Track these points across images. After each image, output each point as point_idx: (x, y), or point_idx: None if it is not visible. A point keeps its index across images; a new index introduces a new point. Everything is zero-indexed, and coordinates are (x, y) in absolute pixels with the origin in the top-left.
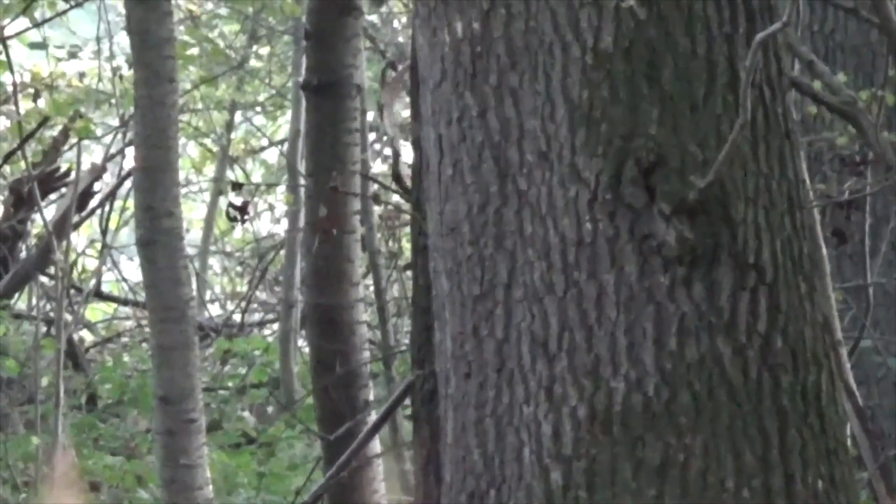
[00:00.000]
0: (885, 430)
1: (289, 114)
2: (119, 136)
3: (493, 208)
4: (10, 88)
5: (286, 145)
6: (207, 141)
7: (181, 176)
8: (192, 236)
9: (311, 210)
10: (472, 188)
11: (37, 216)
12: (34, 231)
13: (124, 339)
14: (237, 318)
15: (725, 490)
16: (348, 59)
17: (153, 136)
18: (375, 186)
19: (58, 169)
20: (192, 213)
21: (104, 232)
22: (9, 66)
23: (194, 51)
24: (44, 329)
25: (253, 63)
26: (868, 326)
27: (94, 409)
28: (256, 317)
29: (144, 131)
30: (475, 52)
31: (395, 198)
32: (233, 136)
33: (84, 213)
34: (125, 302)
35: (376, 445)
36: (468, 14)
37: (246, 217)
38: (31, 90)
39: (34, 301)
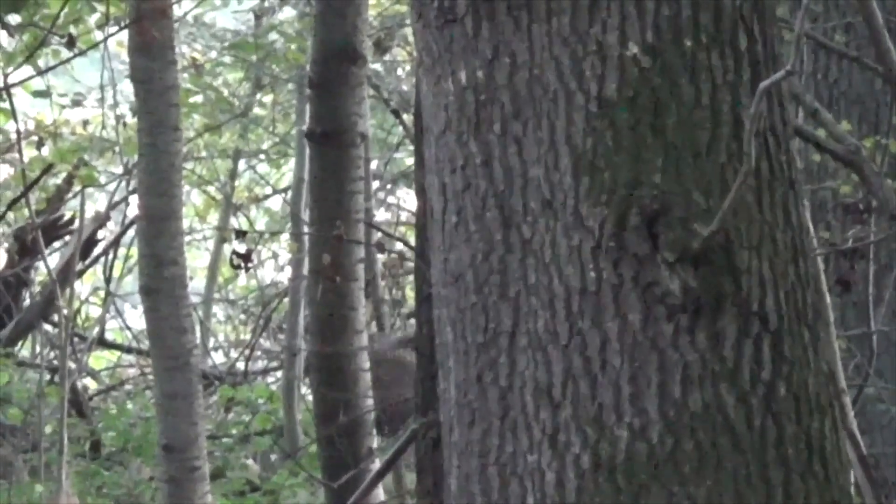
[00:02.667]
0: (889, 478)
1: (292, 162)
2: (123, 183)
3: (497, 257)
4: (13, 136)
5: (290, 193)
6: (211, 189)
7: (185, 224)
8: (196, 284)
9: (315, 258)
10: (476, 236)
11: (40, 264)
12: (38, 279)
13: (128, 387)
14: (241, 366)
15: None
16: (352, 107)
17: (157, 183)
18: (379, 234)
19: (61, 217)
20: (196, 261)
21: (108, 280)
22: (13, 114)
23: (198, 99)
24: (47, 377)
25: (257, 111)
26: (872, 374)
27: (98, 457)
28: (260, 365)
29: (148, 179)
30: (479, 101)
31: (399, 246)
32: (236, 183)
33: (88, 261)
34: (129, 350)
35: (380, 494)
36: (472, 63)
37: (250, 265)
38: (35, 138)
39: (38, 349)
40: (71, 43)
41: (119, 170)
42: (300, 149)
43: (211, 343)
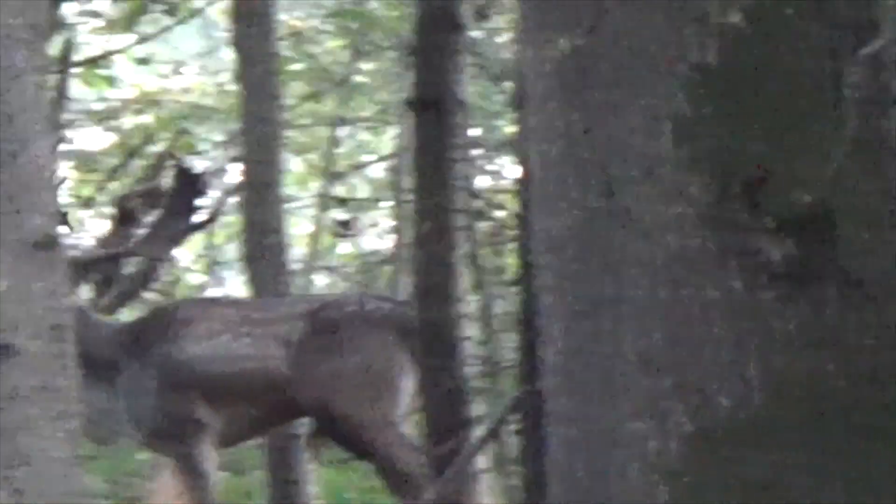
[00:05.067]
0: None
1: (394, 129)
2: (224, 151)
3: (598, 225)
4: (115, 104)
5: (391, 161)
6: (312, 156)
7: (286, 191)
8: (297, 252)
9: (417, 226)
10: (577, 204)
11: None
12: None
13: None
14: None
15: None
16: (453, 75)
17: (258, 152)
18: (480, 202)
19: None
20: (297, 228)
21: (209, 247)
22: (115, 82)
23: (299, 66)
24: None
25: (358, 79)
26: None
27: None
28: None
29: (249, 147)
30: (580, 69)
31: (500, 214)
32: (338, 151)
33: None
34: None
35: (482, 461)
36: (573, 30)
37: (351, 232)
38: (137, 106)
39: None
40: (172, 11)
41: (220, 137)
42: (401, 116)
43: None
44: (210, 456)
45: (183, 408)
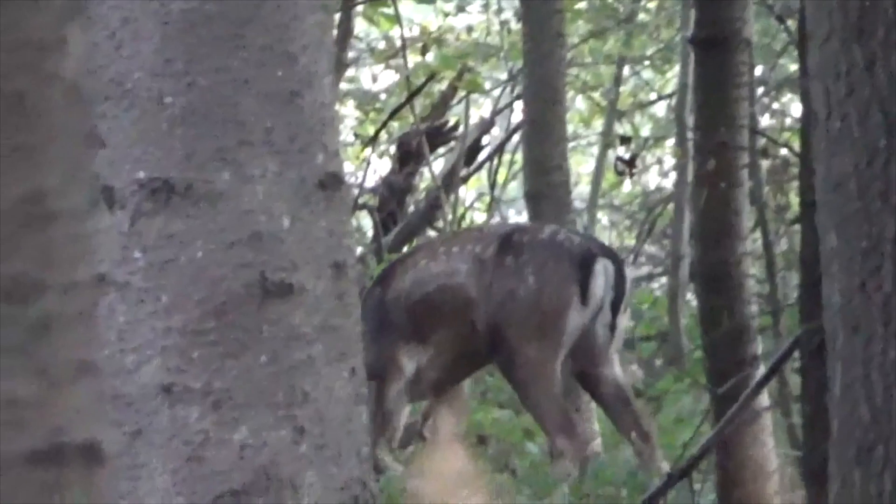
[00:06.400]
0: None
1: (677, 68)
2: (507, 90)
3: (881, 163)
4: (398, 43)
5: (674, 99)
6: (595, 95)
7: (569, 130)
8: (580, 190)
9: (700, 164)
10: (859, 143)
11: (425, 170)
12: (422, 185)
13: None
14: None
15: None
16: (737, 13)
17: (541, 90)
18: (764, 140)
19: (446, 123)
20: (580, 166)
21: (492, 185)
22: (398, 20)
23: (582, 5)
24: None
25: (641, 17)
26: None
27: None
28: (644, 270)
29: (532, 85)
30: (863, 6)
31: (783, 151)
32: (621, 89)
33: (472, 167)
34: None
35: (764, 399)
36: None
37: (634, 171)
38: (420, 45)
39: None
40: None
41: (503, 76)
42: (684, 55)
43: None
44: (397, 398)
45: (384, 349)
